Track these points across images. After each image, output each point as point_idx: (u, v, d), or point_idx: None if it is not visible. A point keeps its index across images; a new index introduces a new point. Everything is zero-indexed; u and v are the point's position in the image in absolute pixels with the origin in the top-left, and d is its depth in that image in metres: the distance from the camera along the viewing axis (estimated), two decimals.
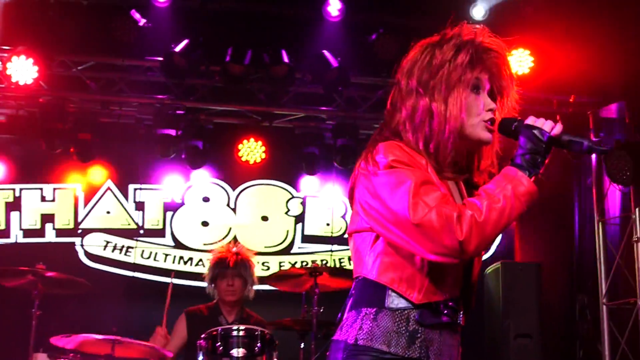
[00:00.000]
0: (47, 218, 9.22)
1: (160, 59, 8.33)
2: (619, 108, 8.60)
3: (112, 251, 9.22)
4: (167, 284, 6.84)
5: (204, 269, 7.48)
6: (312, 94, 8.94)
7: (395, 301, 2.68)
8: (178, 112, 8.78)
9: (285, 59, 8.30)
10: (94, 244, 9.20)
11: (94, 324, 6.74)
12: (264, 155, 9.15)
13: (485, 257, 6.12)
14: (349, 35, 8.52)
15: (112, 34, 8.09)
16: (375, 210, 2.66)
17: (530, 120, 2.71)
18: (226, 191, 9.57)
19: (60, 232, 9.21)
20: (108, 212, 9.31)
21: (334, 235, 9.57)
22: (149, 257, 9.27)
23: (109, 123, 8.93)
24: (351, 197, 2.85)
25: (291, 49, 8.39)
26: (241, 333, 5.95)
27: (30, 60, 8.14)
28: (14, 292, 6.80)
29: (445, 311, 2.71)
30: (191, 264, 9.30)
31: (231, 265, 6.79)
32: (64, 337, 6.08)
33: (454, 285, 2.74)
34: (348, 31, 8.52)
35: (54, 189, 9.27)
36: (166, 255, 9.31)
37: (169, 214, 9.41)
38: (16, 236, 9.17)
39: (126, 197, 9.37)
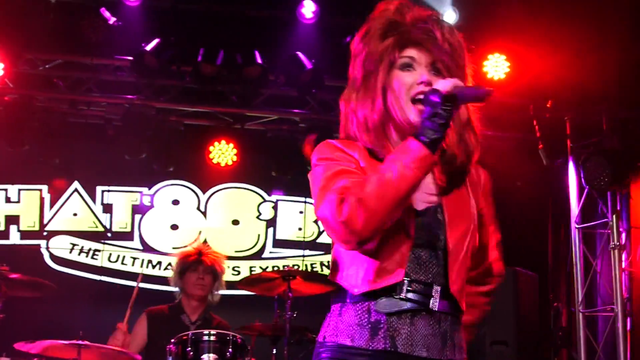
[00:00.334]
0: (12, 219, 9.10)
1: (130, 58, 8.24)
2: (596, 113, 8.57)
3: (79, 254, 9.11)
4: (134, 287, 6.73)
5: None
6: (285, 97, 8.87)
7: (354, 295, 2.65)
8: (148, 113, 8.63)
9: (259, 60, 8.26)
10: (60, 246, 9.10)
11: (60, 328, 6.70)
12: (235, 158, 9.06)
13: None
14: (323, 37, 8.43)
15: (82, 32, 7.95)
16: None
17: (435, 85, 2.57)
18: (196, 194, 9.51)
19: (25, 234, 9.10)
20: (75, 214, 9.21)
21: (306, 239, 9.51)
22: (116, 261, 9.18)
23: (76, 123, 8.82)
24: None
25: (265, 50, 8.32)
26: (212, 338, 5.84)
27: None
28: None
29: (409, 297, 2.61)
30: (160, 268, 9.22)
31: (204, 260, 6.68)
32: (28, 343, 5.95)
33: (420, 270, 2.63)
34: (323, 34, 8.43)
35: (19, 190, 9.16)
36: (134, 258, 9.22)
37: (137, 216, 9.33)
38: None
39: (94, 199, 9.27)
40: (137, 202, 9.32)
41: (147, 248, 9.25)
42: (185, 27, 8.34)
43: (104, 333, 6.54)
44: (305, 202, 9.51)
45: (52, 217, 9.15)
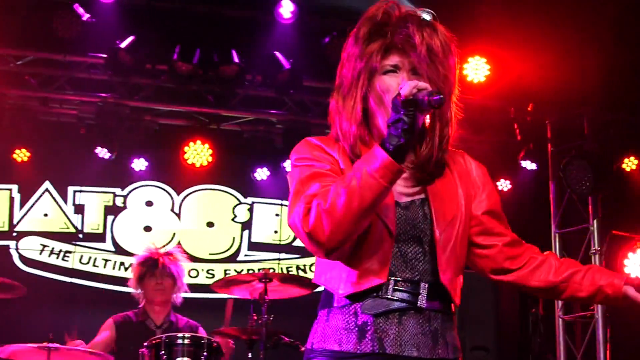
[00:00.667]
0: None
1: (104, 55, 8.15)
2: (577, 116, 8.54)
3: (49, 256, 8.99)
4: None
5: None
6: (262, 97, 8.81)
7: (340, 299, 2.61)
8: (122, 111, 8.48)
9: (236, 59, 8.19)
10: (30, 247, 8.97)
11: (29, 331, 6.61)
12: (210, 159, 8.91)
13: None
14: (301, 38, 8.38)
15: (54, 28, 7.85)
16: None
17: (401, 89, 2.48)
18: (170, 195, 9.41)
19: None
20: (45, 215, 9.10)
21: (282, 243, 9.44)
22: (88, 263, 9.04)
23: (48, 121, 8.70)
24: None
25: (242, 50, 8.25)
26: (186, 341, 5.80)
27: None
28: None
29: (395, 296, 2.56)
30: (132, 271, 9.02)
31: (160, 264, 6.54)
32: None
33: (406, 267, 2.59)
34: (301, 34, 8.37)
35: None
36: (106, 260, 9.09)
37: (109, 218, 9.22)
38: None
39: (65, 199, 9.14)
40: (110, 203, 9.20)
41: (119, 250, 9.12)
42: (161, 24, 8.23)
43: (75, 336, 6.39)
44: (281, 204, 9.42)
45: (22, 218, 9.02)
